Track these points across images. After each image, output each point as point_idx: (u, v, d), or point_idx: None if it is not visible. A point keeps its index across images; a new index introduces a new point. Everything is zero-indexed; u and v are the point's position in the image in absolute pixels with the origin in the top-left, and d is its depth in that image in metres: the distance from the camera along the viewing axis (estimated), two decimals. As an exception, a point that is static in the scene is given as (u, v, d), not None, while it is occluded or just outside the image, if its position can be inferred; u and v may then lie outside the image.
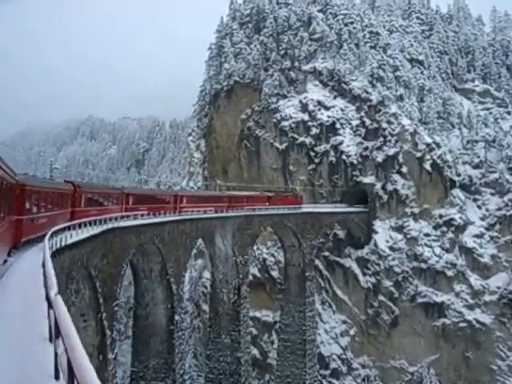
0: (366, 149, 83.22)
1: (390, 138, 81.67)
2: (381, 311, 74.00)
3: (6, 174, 13.18)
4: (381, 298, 74.87)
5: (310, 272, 67.80)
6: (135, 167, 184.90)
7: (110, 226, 28.28)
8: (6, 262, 14.00)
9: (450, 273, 74.39)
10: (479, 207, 77.52)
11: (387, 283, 75.11)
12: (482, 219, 76.24)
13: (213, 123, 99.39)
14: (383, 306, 74.26)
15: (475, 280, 73.67)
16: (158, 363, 41.68)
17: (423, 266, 75.34)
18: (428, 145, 78.85)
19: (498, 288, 72.25)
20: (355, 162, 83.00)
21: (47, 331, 5.93)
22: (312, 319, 69.10)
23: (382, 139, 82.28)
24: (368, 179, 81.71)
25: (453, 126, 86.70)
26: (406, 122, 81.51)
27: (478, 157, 79.77)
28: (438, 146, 78.71)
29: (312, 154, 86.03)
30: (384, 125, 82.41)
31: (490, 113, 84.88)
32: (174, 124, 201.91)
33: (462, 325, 71.24)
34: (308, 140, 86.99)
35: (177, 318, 43.70)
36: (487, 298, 72.48)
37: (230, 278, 56.76)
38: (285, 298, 67.61)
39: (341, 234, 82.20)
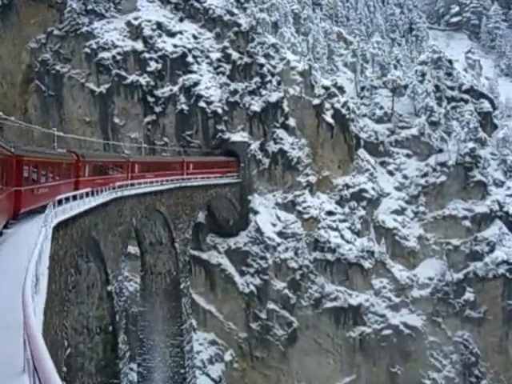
0: (234, 93, 68.21)
1: (269, 77, 67.31)
2: (271, 324, 63.86)
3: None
4: (271, 305, 64.07)
5: (185, 282, 54.15)
6: None
7: None
8: (1, 234, 16.95)
9: (366, 264, 62.87)
10: (391, 173, 66.79)
11: (279, 284, 64.25)
12: (399, 189, 65.45)
13: (-24, 58, 75.64)
14: (275, 317, 64.09)
15: (399, 271, 63.96)
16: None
17: (329, 257, 64.88)
18: (327, 88, 65.38)
19: (430, 279, 62.73)
20: (220, 111, 66.13)
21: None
22: (190, 355, 50.30)
23: (258, 79, 67.81)
24: (238, 136, 66.90)
25: (337, 69, 75.35)
26: (291, 56, 67.53)
27: (381, 108, 69.20)
28: (342, 90, 65.85)
29: (151, 99, 70.80)
30: (260, 59, 67.90)
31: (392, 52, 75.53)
32: None
33: (385, 332, 64.90)
34: (144, 79, 70.91)
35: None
36: (416, 293, 65.66)
37: (92, 322, 35.96)
38: (146, 326, 52.19)
39: (199, 216, 63.86)
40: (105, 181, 33.57)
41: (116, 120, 69.11)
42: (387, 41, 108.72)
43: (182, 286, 51.81)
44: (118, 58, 69.61)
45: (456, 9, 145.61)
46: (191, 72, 69.05)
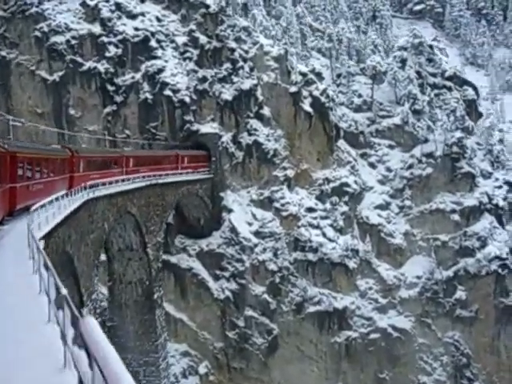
0: (202, 80, 64.12)
1: (241, 63, 63.65)
2: (250, 332, 60.99)
3: None
4: (249, 312, 61.11)
5: (159, 292, 50.45)
6: None
7: None
8: None
9: (351, 264, 59.65)
10: (373, 166, 63.69)
11: (257, 289, 61.08)
12: (382, 183, 62.36)
13: None
14: (253, 325, 61.19)
15: (386, 271, 61.14)
16: None
17: (311, 257, 61.58)
18: (304, 75, 61.78)
19: (418, 278, 60.15)
20: (187, 100, 61.88)
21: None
22: (166, 373, 46.34)
23: (228, 65, 63.88)
24: (208, 127, 62.59)
25: (310, 55, 71.88)
26: (264, 40, 63.90)
27: (360, 96, 66.03)
28: (320, 76, 62.33)
29: (110, 88, 66.08)
30: (231, 44, 63.88)
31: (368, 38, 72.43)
32: None
33: (372, 336, 63.02)
34: (102, 66, 66.57)
35: None
36: (404, 293, 62.90)
37: None
38: (115, 343, 44.90)
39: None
40: (100, 176, 33.99)
41: (71, 111, 63.87)
42: (353, 28, 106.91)
43: (155, 297, 47.43)
44: (73, 42, 64.24)
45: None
46: (155, 58, 64.25)
